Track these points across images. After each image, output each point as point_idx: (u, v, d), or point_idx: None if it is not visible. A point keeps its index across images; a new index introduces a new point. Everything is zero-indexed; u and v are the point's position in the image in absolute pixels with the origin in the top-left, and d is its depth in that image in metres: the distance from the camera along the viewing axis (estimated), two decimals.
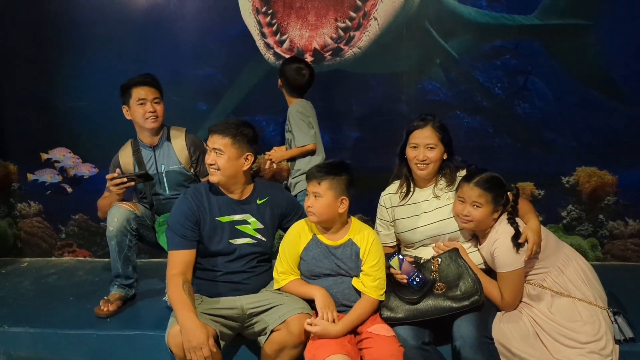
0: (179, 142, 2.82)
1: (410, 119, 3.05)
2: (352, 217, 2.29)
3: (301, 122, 2.82)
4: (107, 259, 3.61)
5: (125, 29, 3.39)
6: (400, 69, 3.18)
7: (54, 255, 3.76)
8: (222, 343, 2.18)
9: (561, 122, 2.99)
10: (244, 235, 2.32)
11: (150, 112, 2.71)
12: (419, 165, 2.30)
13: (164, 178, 2.78)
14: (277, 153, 2.91)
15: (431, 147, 2.28)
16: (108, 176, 2.64)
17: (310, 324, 2.04)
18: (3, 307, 2.93)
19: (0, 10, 3.48)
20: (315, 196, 2.15)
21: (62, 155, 3.63)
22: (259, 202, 2.35)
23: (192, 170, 2.82)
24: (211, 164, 2.25)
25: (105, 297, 2.75)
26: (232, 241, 2.30)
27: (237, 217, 2.31)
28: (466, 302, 2.06)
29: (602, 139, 2.88)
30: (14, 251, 3.78)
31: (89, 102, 3.52)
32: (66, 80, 3.53)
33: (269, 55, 3.25)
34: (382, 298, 2.16)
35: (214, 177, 2.26)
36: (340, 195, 2.15)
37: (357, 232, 2.22)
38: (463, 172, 2.35)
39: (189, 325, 2.01)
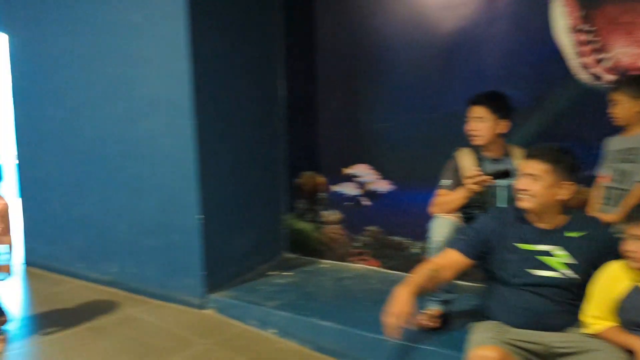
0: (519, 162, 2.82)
1: None
2: None
3: None
4: (396, 272, 3.86)
5: (430, 52, 3.56)
6: None
7: (348, 260, 4.14)
8: None
9: None
10: (548, 267, 2.17)
11: (470, 129, 2.82)
12: None
13: (497, 191, 2.78)
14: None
15: None
16: (469, 173, 2.70)
17: None
18: (311, 301, 3.35)
19: (323, 46, 4.04)
20: None
21: (363, 171, 3.99)
22: (573, 234, 2.18)
23: None
24: (524, 190, 2.18)
25: (422, 311, 2.83)
26: (531, 271, 2.18)
27: (541, 247, 2.19)
28: None
29: None
30: (317, 253, 4.29)
31: (392, 123, 3.78)
32: (373, 103, 3.87)
33: (583, 76, 3.00)
34: None
35: (525, 203, 2.19)
36: None
37: None
38: None
39: (400, 296, 2.15)
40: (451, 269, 2.28)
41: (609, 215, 2.54)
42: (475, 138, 2.81)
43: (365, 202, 4.00)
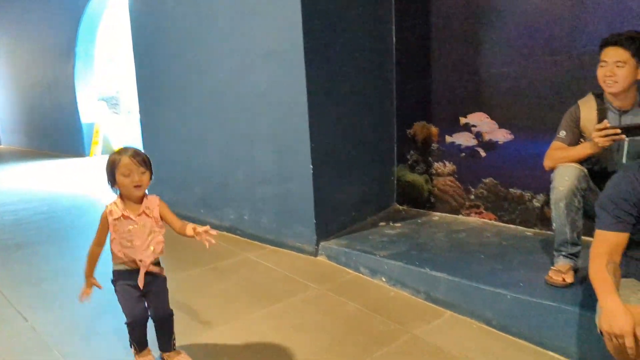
0: None
1: None
2: None
3: None
4: (512, 225, 3.68)
5: None
6: None
7: (461, 213, 4.01)
8: None
9: None
10: None
11: (607, 76, 2.50)
12: None
13: (625, 145, 2.53)
14: None
15: None
16: (599, 125, 2.47)
17: None
18: (423, 252, 3.30)
19: None
20: None
21: (480, 120, 3.79)
22: None
23: None
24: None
25: (553, 267, 2.70)
26: None
27: None
28: None
29: None
30: (428, 205, 4.20)
31: (513, 68, 3.52)
32: (492, 46, 3.62)
33: None
34: None
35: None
36: None
37: None
38: None
39: (610, 307, 1.81)
40: (618, 250, 2.02)
41: None
42: (612, 85, 2.51)
43: (482, 153, 3.81)
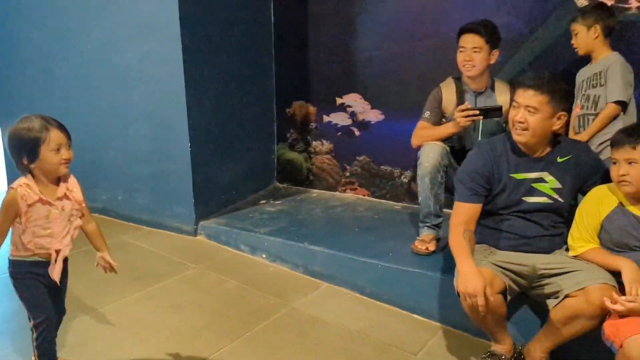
0: (503, 97, 2.80)
1: None
2: None
3: (626, 74, 2.53)
4: (383, 200, 3.91)
5: None
6: None
7: (338, 190, 4.18)
8: (508, 298, 2.15)
9: None
10: (540, 193, 2.20)
11: (466, 60, 2.74)
12: None
13: (480, 125, 2.78)
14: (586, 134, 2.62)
15: None
16: (461, 107, 2.66)
17: (614, 302, 1.85)
18: (302, 228, 3.41)
19: None
20: (631, 163, 1.92)
21: (354, 100, 3.95)
22: (559, 160, 2.20)
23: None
24: (520, 122, 2.11)
25: (418, 238, 2.91)
26: (525, 199, 2.21)
27: (534, 175, 2.20)
28: None
29: None
30: (307, 182, 4.32)
31: (384, 52, 3.71)
32: (366, 30, 3.77)
33: (582, 1, 2.93)
34: None
35: (521, 137, 2.14)
36: None
37: None
38: None
39: (466, 271, 2.03)
40: (473, 219, 2.24)
41: (580, 136, 2.61)
42: (470, 69, 2.76)
43: (356, 132, 3.99)
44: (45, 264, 1.94)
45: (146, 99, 3.67)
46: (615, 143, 1.99)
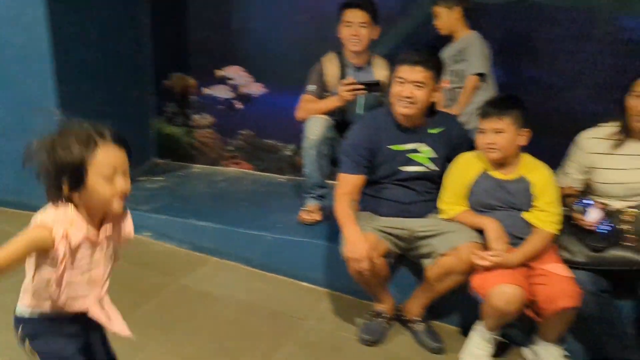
0: (381, 71, 2.90)
1: (601, 59, 2.85)
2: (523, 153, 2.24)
3: (484, 50, 2.81)
4: (267, 173, 3.94)
5: None
6: (595, 2, 2.91)
7: (221, 164, 4.13)
8: (391, 260, 2.32)
9: None
10: (415, 163, 2.37)
11: (353, 35, 2.80)
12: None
13: (362, 99, 2.86)
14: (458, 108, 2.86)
15: None
16: (345, 80, 2.71)
17: (480, 257, 2.08)
18: (187, 204, 3.34)
19: None
20: (497, 132, 2.14)
21: (236, 73, 3.90)
22: (433, 131, 2.37)
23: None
24: (408, 97, 2.22)
25: (304, 208, 2.98)
26: (402, 168, 2.37)
27: (410, 145, 2.36)
28: None
29: None
30: (188, 157, 4.21)
31: (266, 24, 3.69)
32: (244, 1, 3.72)
33: None
34: (558, 232, 2.14)
35: (408, 110, 2.24)
36: (520, 128, 2.13)
37: (531, 167, 2.20)
38: None
39: (352, 237, 2.16)
40: (357, 190, 2.35)
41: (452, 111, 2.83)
42: (356, 44, 2.83)
43: (239, 105, 3.95)
44: (79, 317, 1.41)
45: (5, 66, 3.30)
46: (483, 114, 2.18)
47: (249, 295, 2.63)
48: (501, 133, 2.13)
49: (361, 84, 2.71)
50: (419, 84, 2.21)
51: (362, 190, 2.41)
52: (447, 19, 2.88)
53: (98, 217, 1.36)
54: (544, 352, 2.15)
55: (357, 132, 2.40)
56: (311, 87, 2.94)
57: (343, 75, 2.89)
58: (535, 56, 3.09)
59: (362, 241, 2.14)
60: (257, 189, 3.65)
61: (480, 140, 2.19)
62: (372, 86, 2.72)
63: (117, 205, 1.31)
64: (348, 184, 2.34)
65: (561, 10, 2.96)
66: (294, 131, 3.17)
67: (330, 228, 2.85)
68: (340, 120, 2.96)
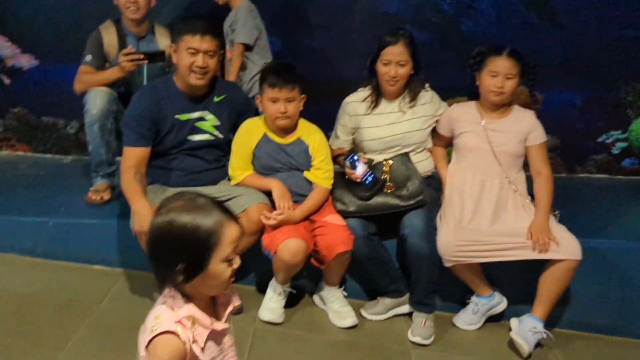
0: (164, 40, 2.81)
1: (363, 29, 3.16)
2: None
3: (251, 19, 2.86)
4: (48, 155, 3.61)
5: None
6: None
7: None
8: None
9: (501, 41, 3.16)
10: (202, 131, 2.39)
11: (130, 1, 2.70)
12: (390, 81, 2.37)
13: (145, 70, 2.73)
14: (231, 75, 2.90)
15: (402, 64, 2.34)
16: (125, 50, 2.57)
17: (267, 217, 2.20)
18: None
19: None
20: (290, 101, 2.26)
21: None
22: (216, 99, 2.41)
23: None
24: (203, 67, 2.23)
25: (92, 188, 2.79)
26: (190, 137, 2.37)
27: (196, 114, 2.37)
28: (412, 202, 2.29)
29: (535, 58, 3.11)
30: None
31: None
32: None
33: None
34: (331, 187, 2.36)
35: (203, 81, 2.27)
36: (301, 94, 2.29)
37: (305, 130, 2.38)
38: (427, 89, 2.48)
39: (140, 210, 2.13)
40: (143, 162, 2.28)
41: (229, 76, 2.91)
42: (134, 11, 2.73)
43: (6, 80, 3.51)
44: None
45: None
46: (272, 84, 2.23)
47: (33, 287, 2.41)
48: (293, 102, 2.26)
49: (143, 53, 2.62)
50: (211, 53, 2.24)
51: (151, 163, 2.36)
52: None
53: (206, 301, 1.19)
54: (328, 295, 2.38)
55: (138, 103, 2.33)
56: (88, 58, 2.76)
57: (123, 45, 2.76)
58: (309, 26, 3.29)
59: (150, 212, 2.09)
60: (37, 172, 3.32)
61: (273, 108, 2.27)
62: (156, 56, 2.65)
63: (228, 284, 1.16)
64: (132, 157, 2.27)
65: None
66: (76, 107, 2.94)
67: (121, 206, 2.73)
68: (125, 92, 2.83)
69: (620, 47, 3.18)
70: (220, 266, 1.11)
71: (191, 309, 1.12)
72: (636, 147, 3.31)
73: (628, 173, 3.35)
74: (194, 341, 1.10)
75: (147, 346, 1.09)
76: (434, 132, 2.50)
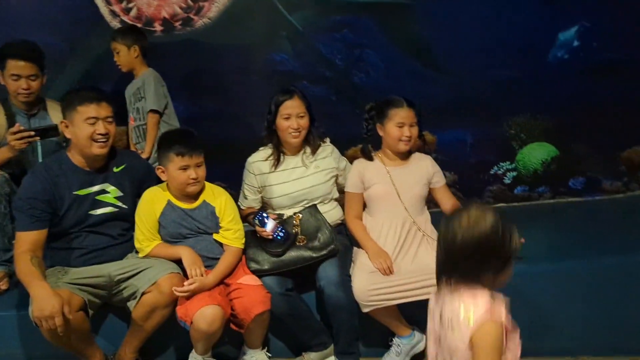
0: (57, 114, 2.69)
1: (262, 89, 3.25)
2: None
3: (160, 87, 2.92)
4: None
5: None
6: (250, 40, 3.30)
7: None
8: (90, 312, 2.20)
9: (392, 89, 3.32)
10: (105, 204, 2.32)
11: (23, 89, 2.65)
12: (293, 133, 2.44)
13: (39, 147, 2.63)
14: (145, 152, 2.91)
15: (301, 116, 2.43)
16: (13, 129, 2.45)
17: (179, 290, 2.14)
18: None
19: None
20: (199, 166, 2.27)
21: None
22: (116, 169, 2.36)
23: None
24: (105, 134, 2.21)
25: None
26: (91, 212, 2.29)
27: (96, 187, 2.30)
28: (324, 252, 2.32)
29: (426, 103, 3.31)
30: None
31: None
32: None
33: (115, 24, 3.17)
34: (243, 246, 2.36)
35: (106, 149, 2.24)
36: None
37: (210, 192, 2.38)
38: (327, 143, 2.58)
39: (40, 294, 1.99)
40: (39, 246, 2.17)
41: (144, 152, 2.93)
42: (27, 96, 2.69)
43: None
44: None
45: None
46: (180, 152, 2.22)
47: None
48: (201, 166, 2.27)
49: (34, 130, 2.53)
50: (109, 119, 2.24)
51: (50, 244, 2.25)
52: (126, 56, 2.93)
53: None
54: (252, 359, 2.33)
55: (30, 185, 2.23)
56: None
57: (12, 124, 2.65)
58: (210, 89, 3.34)
59: (51, 296, 1.97)
60: None
61: (183, 176, 2.25)
62: (49, 131, 2.55)
63: None
64: (27, 241, 2.15)
65: (224, 47, 3.28)
66: None
67: (20, 295, 2.54)
68: (20, 172, 2.69)
69: (499, 87, 3.48)
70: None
71: (497, 296, 1.45)
72: (524, 174, 3.59)
73: (520, 200, 3.59)
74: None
75: None
76: (348, 202, 2.49)
